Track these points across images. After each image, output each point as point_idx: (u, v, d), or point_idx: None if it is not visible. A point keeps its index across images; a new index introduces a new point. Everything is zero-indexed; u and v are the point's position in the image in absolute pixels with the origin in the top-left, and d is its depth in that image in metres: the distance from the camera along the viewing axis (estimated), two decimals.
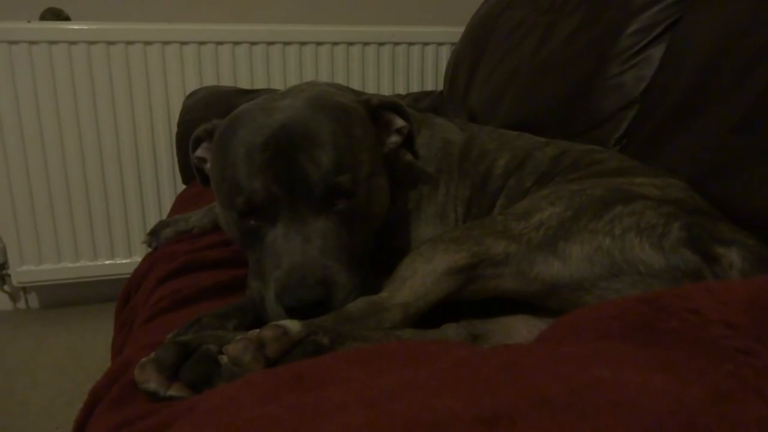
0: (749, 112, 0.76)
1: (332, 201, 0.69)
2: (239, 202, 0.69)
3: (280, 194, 0.67)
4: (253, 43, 1.84)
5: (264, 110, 0.73)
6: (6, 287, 1.99)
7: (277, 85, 1.88)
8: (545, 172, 0.86)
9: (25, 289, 2.02)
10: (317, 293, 0.63)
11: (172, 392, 0.52)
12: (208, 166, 0.83)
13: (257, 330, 0.53)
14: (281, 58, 1.88)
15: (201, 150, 0.85)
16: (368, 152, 0.74)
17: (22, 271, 1.83)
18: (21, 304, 2.04)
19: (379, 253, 0.78)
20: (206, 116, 0.83)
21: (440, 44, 2.00)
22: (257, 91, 1.66)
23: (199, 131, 0.83)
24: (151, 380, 0.52)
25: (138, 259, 1.80)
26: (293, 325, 0.54)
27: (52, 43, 1.69)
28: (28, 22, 1.70)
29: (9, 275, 1.89)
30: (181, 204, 1.41)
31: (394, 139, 0.82)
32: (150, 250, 1.12)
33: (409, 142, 0.83)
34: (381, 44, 1.94)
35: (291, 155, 0.67)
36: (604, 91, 1.11)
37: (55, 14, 1.78)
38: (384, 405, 0.28)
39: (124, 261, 1.88)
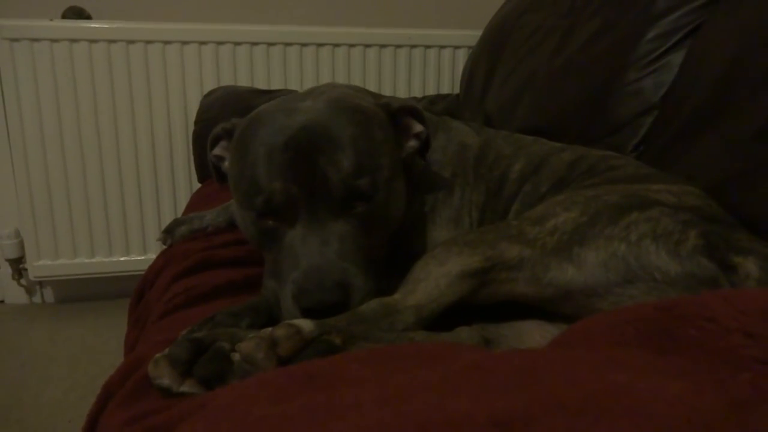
0: None
1: (351, 204, 0.69)
2: (258, 201, 0.68)
3: (300, 195, 0.67)
4: (270, 44, 1.85)
5: (285, 111, 0.73)
6: (22, 281, 2.02)
7: (294, 85, 1.89)
8: (561, 177, 0.85)
9: (41, 284, 2.04)
10: (335, 296, 0.63)
11: (184, 388, 0.52)
12: (225, 164, 0.83)
13: (270, 328, 0.53)
14: (298, 59, 1.88)
15: (219, 148, 0.85)
16: (388, 156, 0.74)
17: (38, 266, 1.85)
18: (36, 298, 2.06)
19: (393, 256, 0.78)
20: (223, 115, 0.84)
21: (457, 47, 2.00)
22: (274, 91, 1.67)
23: (218, 129, 0.83)
24: (164, 376, 0.53)
25: (153, 256, 1.82)
26: (306, 325, 0.54)
27: (73, 41, 1.71)
28: (50, 20, 1.72)
29: (26, 269, 1.92)
30: (196, 202, 1.42)
31: (412, 143, 0.82)
32: (165, 247, 1.13)
33: (424, 147, 0.83)
34: (398, 47, 1.95)
35: (311, 157, 0.67)
36: (623, 97, 1.10)
37: (77, 13, 1.81)
38: (396, 405, 0.28)
39: (139, 258, 1.90)
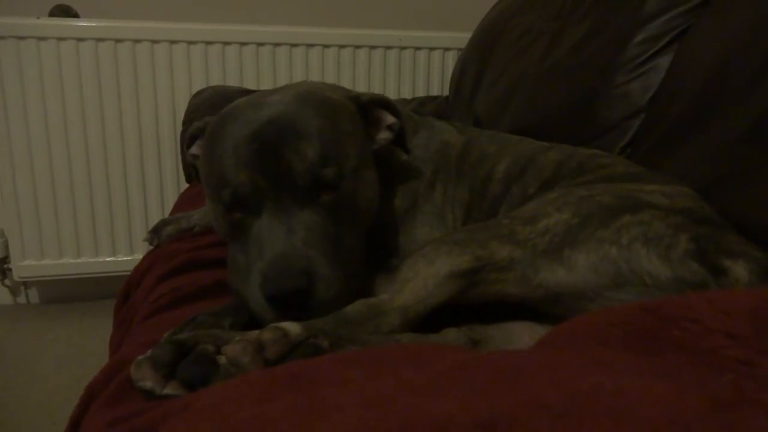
0: (756, 122, 0.75)
1: (317, 193, 0.69)
2: (225, 194, 0.69)
3: (265, 186, 0.68)
4: (260, 44, 1.85)
5: (252, 105, 0.73)
6: (7, 281, 1.99)
7: None
8: (549, 177, 0.85)
9: (25, 284, 2.02)
10: (298, 282, 0.63)
11: (168, 390, 0.52)
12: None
13: (256, 331, 0.53)
14: (288, 60, 1.88)
15: (195, 147, 0.85)
16: (355, 146, 0.75)
17: (23, 266, 1.83)
18: (21, 299, 2.04)
19: (375, 252, 0.78)
20: (212, 115, 0.84)
21: (447, 49, 2.00)
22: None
23: (193, 128, 0.83)
24: (147, 378, 0.52)
25: (139, 256, 1.80)
26: (293, 328, 0.53)
27: (60, 39, 1.70)
28: (37, 18, 1.71)
29: (10, 269, 1.90)
30: (183, 202, 1.41)
31: (385, 135, 0.83)
32: (151, 247, 1.12)
33: (400, 139, 0.83)
34: (388, 48, 1.95)
35: (277, 148, 0.68)
36: (611, 100, 1.11)
37: (64, 11, 1.79)
38: (380, 406, 0.28)
39: (125, 258, 1.89)
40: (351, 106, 0.79)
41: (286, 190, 0.68)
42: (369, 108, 0.81)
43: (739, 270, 0.57)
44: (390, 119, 0.83)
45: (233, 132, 0.70)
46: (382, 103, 0.82)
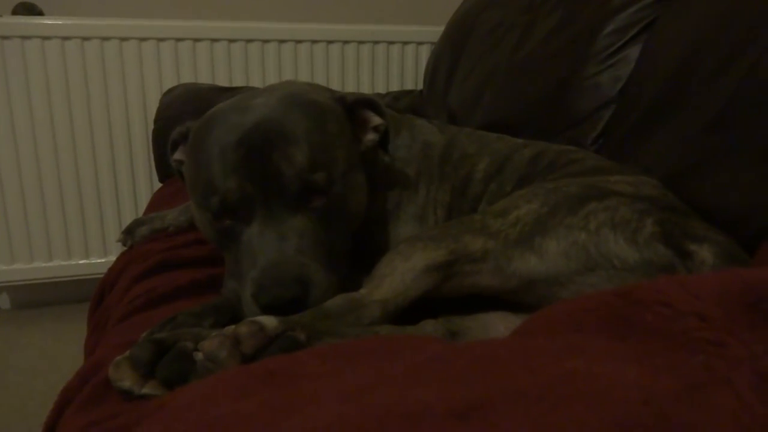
0: (721, 112, 0.77)
1: (307, 198, 0.69)
2: (214, 202, 0.68)
3: (255, 193, 0.67)
4: (231, 41, 1.83)
5: (238, 109, 0.72)
6: None
7: (256, 82, 1.87)
8: (524, 174, 0.87)
9: None
10: (293, 291, 0.63)
11: (146, 390, 0.51)
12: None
13: (233, 326, 0.52)
14: (260, 56, 1.86)
15: (179, 153, 0.84)
16: (343, 149, 0.74)
17: None
18: None
19: (358, 253, 0.78)
20: (183, 114, 0.83)
21: (420, 43, 2.01)
22: (235, 88, 1.65)
23: (175, 134, 0.82)
24: (125, 378, 0.52)
25: (113, 258, 1.77)
26: (269, 321, 0.53)
27: (24, 38, 1.66)
28: (0, 16, 1.66)
29: None
30: (157, 202, 1.40)
31: (371, 136, 0.82)
32: (125, 248, 1.11)
33: (384, 140, 0.83)
34: (361, 43, 1.94)
35: (265, 153, 0.67)
36: (582, 91, 1.12)
37: (28, 9, 1.75)
38: (357, 399, 0.28)
39: (99, 260, 1.85)
40: (338, 108, 0.78)
41: (275, 196, 0.67)
42: (355, 109, 0.80)
43: (704, 253, 0.59)
44: (376, 120, 0.82)
45: (219, 137, 0.69)
46: (367, 103, 0.81)
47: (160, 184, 1.65)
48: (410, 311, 0.64)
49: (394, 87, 2.01)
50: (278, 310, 0.61)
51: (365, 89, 1.97)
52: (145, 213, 1.34)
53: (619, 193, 0.67)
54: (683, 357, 0.29)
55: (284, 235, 0.66)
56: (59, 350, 1.74)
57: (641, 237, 0.61)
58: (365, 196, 0.79)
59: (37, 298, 1.99)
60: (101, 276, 1.12)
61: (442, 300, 0.67)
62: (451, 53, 1.62)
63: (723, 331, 0.29)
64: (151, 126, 1.65)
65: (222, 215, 0.69)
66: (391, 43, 1.97)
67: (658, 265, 0.60)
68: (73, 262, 1.84)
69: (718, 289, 0.32)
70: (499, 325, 0.68)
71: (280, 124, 0.69)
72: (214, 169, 0.68)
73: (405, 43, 1.99)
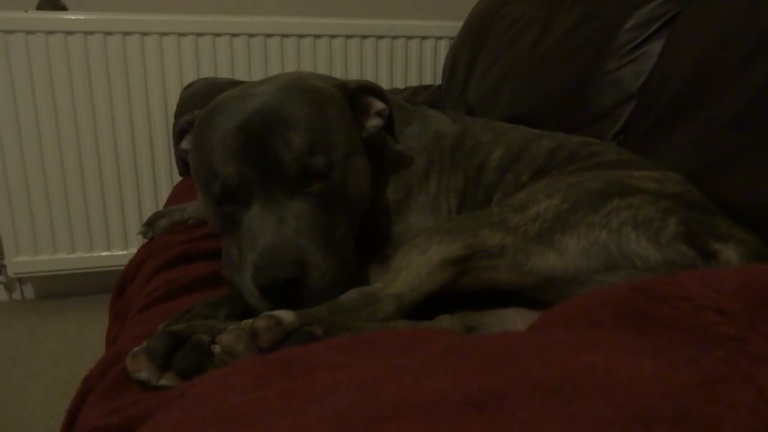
0: (747, 105, 0.75)
1: (306, 182, 0.69)
2: (215, 187, 0.69)
3: (254, 177, 0.67)
4: (251, 35, 1.83)
5: (239, 97, 0.73)
6: (2, 278, 1.99)
7: None
8: (542, 165, 0.86)
9: (20, 280, 2.01)
10: (290, 272, 0.63)
11: (163, 381, 0.52)
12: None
13: (250, 320, 0.53)
14: (279, 51, 1.87)
15: (185, 141, 0.85)
16: (344, 134, 0.74)
17: (17, 262, 1.82)
18: (17, 295, 2.03)
19: (369, 242, 0.78)
20: (203, 108, 0.83)
21: (439, 38, 2.00)
22: None
23: (182, 122, 0.83)
24: (142, 369, 0.52)
25: (134, 250, 1.79)
26: (287, 316, 0.53)
27: (48, 33, 1.68)
28: (25, 11, 1.69)
29: (5, 266, 1.89)
30: (177, 195, 1.41)
31: (375, 122, 0.82)
32: (146, 240, 1.12)
33: (389, 125, 0.83)
34: (379, 38, 1.94)
35: (264, 138, 0.67)
36: (602, 86, 1.11)
37: (52, 4, 1.77)
38: (373, 389, 0.28)
39: (120, 252, 1.88)
40: (338, 94, 0.78)
41: (274, 180, 0.67)
42: (357, 95, 0.81)
43: (730, 253, 0.57)
44: (379, 105, 0.82)
45: (220, 124, 0.70)
46: (369, 89, 0.82)
47: (180, 178, 1.66)
48: (426, 306, 0.64)
49: (413, 82, 2.00)
50: (276, 291, 0.62)
51: (383, 84, 1.97)
52: (165, 206, 1.35)
53: (643, 190, 0.66)
54: (702, 351, 0.29)
55: (283, 218, 0.67)
56: (82, 340, 1.77)
57: (664, 237, 0.60)
58: (367, 181, 0.79)
59: (61, 289, 2.02)
60: (122, 267, 1.14)
61: (459, 295, 0.67)
62: (470, 48, 1.61)
63: (743, 326, 0.29)
64: (171, 120, 1.67)
65: (223, 200, 0.69)
66: (410, 38, 1.97)
67: (680, 266, 0.58)
68: (96, 254, 1.87)
69: (738, 284, 0.32)
70: (516, 320, 0.67)
71: (278, 109, 0.69)
72: (215, 156, 0.69)
73: (424, 38, 1.98)
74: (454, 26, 1.88)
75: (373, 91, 0.82)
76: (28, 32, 1.67)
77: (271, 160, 0.67)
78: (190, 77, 1.80)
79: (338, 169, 0.71)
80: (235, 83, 1.67)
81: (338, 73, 1.91)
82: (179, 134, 0.84)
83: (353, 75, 1.93)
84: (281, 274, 0.63)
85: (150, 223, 1.11)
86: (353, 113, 0.80)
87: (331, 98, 0.76)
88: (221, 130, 0.69)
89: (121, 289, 1.09)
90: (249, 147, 0.67)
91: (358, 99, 0.81)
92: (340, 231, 0.72)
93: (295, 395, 0.29)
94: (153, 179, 1.87)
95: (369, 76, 1.96)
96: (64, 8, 1.79)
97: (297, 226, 0.67)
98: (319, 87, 0.76)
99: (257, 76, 1.86)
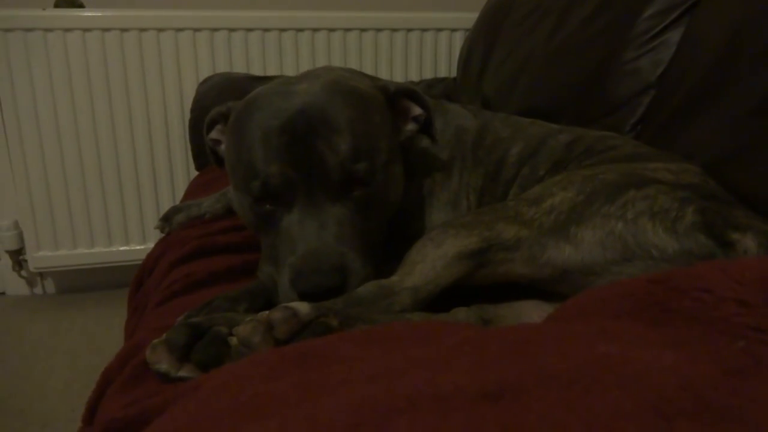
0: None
1: (349, 188, 0.68)
2: (255, 186, 0.68)
3: (297, 179, 0.67)
4: (266, 30, 1.84)
5: (281, 94, 0.72)
6: (23, 272, 2.02)
7: (290, 71, 1.88)
8: (559, 159, 0.85)
9: (41, 275, 2.04)
10: (332, 279, 0.63)
11: (182, 373, 0.52)
12: (222, 147, 0.83)
13: (267, 312, 0.53)
14: (294, 45, 1.87)
15: (215, 132, 0.84)
16: (385, 140, 0.74)
17: (38, 257, 1.85)
18: (38, 290, 2.07)
19: (391, 239, 0.78)
20: (219, 103, 0.83)
21: (454, 30, 1.98)
22: (270, 77, 1.66)
23: (214, 113, 0.82)
24: (162, 361, 0.53)
25: (152, 245, 1.81)
26: (303, 307, 0.53)
27: (66, 30, 1.70)
28: (43, 9, 1.71)
29: (26, 261, 1.92)
30: (193, 190, 1.42)
31: (411, 127, 0.81)
32: (163, 235, 1.13)
33: (427, 127, 0.82)
34: (394, 30, 1.93)
35: (308, 140, 0.67)
36: (620, 76, 1.09)
37: (69, 2, 1.79)
38: (387, 381, 0.28)
39: (138, 247, 1.90)
40: (380, 97, 0.77)
41: (318, 184, 0.67)
42: (396, 98, 0.80)
43: (748, 243, 0.56)
44: (416, 110, 0.81)
45: (262, 121, 0.69)
46: (408, 93, 0.81)
47: (197, 173, 1.68)
48: (442, 299, 0.64)
49: (428, 74, 2.00)
50: (316, 297, 0.62)
51: (398, 77, 1.96)
52: (182, 201, 1.36)
53: (659, 181, 0.65)
54: (723, 343, 0.28)
55: (324, 223, 0.66)
56: (101, 333, 1.79)
57: (681, 226, 0.59)
58: (402, 186, 0.78)
59: (80, 283, 2.05)
60: (140, 262, 1.15)
61: (475, 288, 0.67)
62: (485, 40, 1.60)
63: (765, 317, 0.28)
64: (188, 115, 1.68)
65: (263, 200, 0.69)
66: (425, 30, 1.96)
67: (698, 256, 0.57)
68: (114, 249, 1.89)
69: (760, 275, 0.31)
70: (533, 313, 0.67)
71: (323, 111, 0.68)
72: (256, 153, 0.68)
73: (438, 29, 1.97)
74: (469, 18, 1.87)
75: (412, 95, 0.81)
76: (47, 30, 1.69)
77: (315, 164, 0.66)
78: (205, 72, 1.81)
79: (379, 175, 0.71)
80: (251, 78, 1.68)
81: (353, 67, 1.90)
82: (209, 124, 0.84)
83: (368, 68, 1.93)
84: (324, 282, 0.62)
85: (167, 218, 1.11)
86: (392, 117, 0.79)
87: (374, 102, 0.75)
88: (263, 127, 0.68)
89: (139, 283, 1.10)
90: (293, 148, 0.67)
91: (397, 102, 0.80)
92: (374, 235, 0.72)
93: (310, 387, 0.29)
94: (170, 174, 1.89)
95: (384, 69, 1.95)
96: (81, 6, 1.81)
97: (338, 232, 0.66)
98: (362, 89, 0.75)
99: (272, 70, 1.87)
